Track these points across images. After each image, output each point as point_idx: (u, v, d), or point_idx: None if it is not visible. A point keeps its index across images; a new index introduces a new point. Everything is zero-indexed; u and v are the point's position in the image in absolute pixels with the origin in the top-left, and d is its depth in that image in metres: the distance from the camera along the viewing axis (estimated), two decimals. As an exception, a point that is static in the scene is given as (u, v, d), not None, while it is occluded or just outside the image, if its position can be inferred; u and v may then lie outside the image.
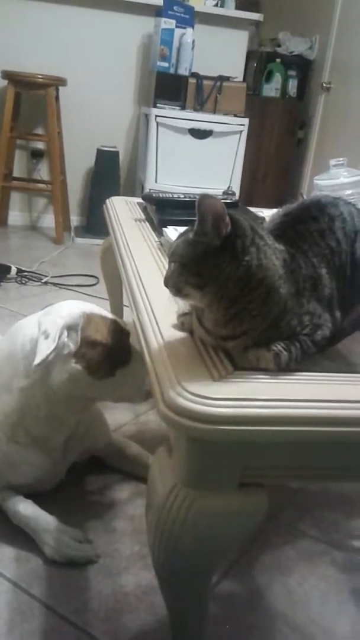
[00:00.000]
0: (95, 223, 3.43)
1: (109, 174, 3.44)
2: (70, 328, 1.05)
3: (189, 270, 0.70)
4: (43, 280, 2.63)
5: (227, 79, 3.37)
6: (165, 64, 3.27)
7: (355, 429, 0.66)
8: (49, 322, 1.03)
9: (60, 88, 3.30)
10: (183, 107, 3.33)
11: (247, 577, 1.10)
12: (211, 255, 0.69)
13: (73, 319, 1.06)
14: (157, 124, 3.25)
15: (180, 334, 0.81)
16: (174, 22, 3.21)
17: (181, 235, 0.73)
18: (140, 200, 1.71)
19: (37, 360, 0.99)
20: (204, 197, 0.68)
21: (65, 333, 1.04)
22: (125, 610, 1.00)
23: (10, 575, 1.04)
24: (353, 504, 1.34)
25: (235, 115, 3.40)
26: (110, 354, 1.08)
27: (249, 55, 3.89)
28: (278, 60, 4.08)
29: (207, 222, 0.68)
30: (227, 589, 1.07)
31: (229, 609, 1.03)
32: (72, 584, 1.04)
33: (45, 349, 1.00)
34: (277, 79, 4.09)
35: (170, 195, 1.52)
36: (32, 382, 1.08)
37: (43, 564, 1.07)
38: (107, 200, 1.76)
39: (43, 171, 3.59)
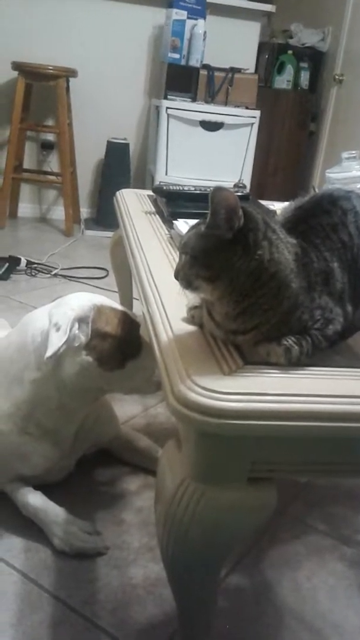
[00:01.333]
0: (105, 215, 3.42)
1: (119, 166, 3.43)
2: (81, 320, 1.05)
3: (200, 263, 0.69)
4: (53, 273, 2.63)
5: (239, 70, 3.35)
6: (177, 56, 3.25)
7: (365, 424, 0.66)
8: (60, 314, 1.03)
9: (71, 79, 3.29)
10: (194, 99, 3.31)
11: (256, 571, 1.10)
12: (223, 248, 0.68)
13: (84, 311, 1.06)
14: (168, 115, 3.24)
15: (190, 328, 0.81)
16: (185, 13, 3.19)
17: (193, 227, 0.73)
18: (150, 192, 1.71)
19: (49, 353, 0.99)
20: (218, 189, 0.67)
21: (77, 325, 1.04)
22: (133, 602, 1.00)
23: (20, 566, 1.05)
24: (362, 499, 1.33)
25: (247, 108, 3.38)
26: (121, 346, 1.08)
27: (261, 47, 3.86)
28: (290, 52, 4.05)
29: (219, 214, 0.68)
30: (235, 582, 1.07)
31: (237, 602, 1.03)
32: (81, 575, 1.05)
33: (56, 342, 1.00)
34: (289, 70, 4.06)
35: (181, 188, 1.51)
36: (43, 375, 1.08)
37: (52, 555, 1.08)
38: (117, 193, 1.76)
39: (53, 163, 3.59)
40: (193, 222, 0.75)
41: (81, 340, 1.05)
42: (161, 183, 2.01)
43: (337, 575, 1.11)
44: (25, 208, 3.65)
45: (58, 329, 1.01)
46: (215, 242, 0.69)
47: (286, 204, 0.90)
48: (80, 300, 1.08)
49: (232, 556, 1.11)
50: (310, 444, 0.69)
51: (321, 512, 1.27)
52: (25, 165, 3.55)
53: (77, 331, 1.04)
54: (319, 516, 1.26)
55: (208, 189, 0.73)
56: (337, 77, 3.91)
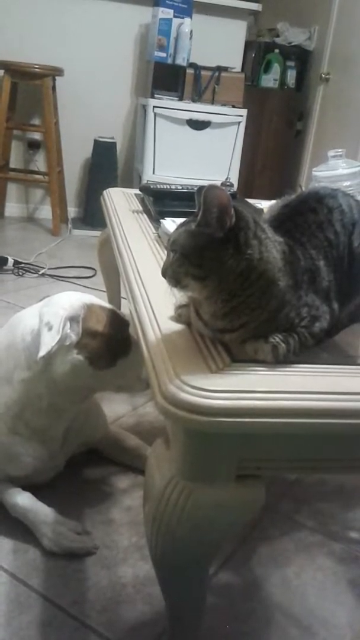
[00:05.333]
0: (92, 214, 3.41)
1: (107, 165, 3.42)
2: (72, 319, 1.05)
3: (190, 261, 0.69)
4: (40, 272, 2.62)
5: (225, 69, 3.35)
6: (163, 54, 3.25)
7: (352, 420, 0.66)
8: (52, 313, 1.03)
9: (57, 78, 3.28)
10: (181, 98, 3.31)
11: (245, 568, 1.10)
12: (213, 247, 0.68)
13: (75, 310, 1.06)
14: (155, 114, 3.23)
15: (177, 326, 0.81)
16: (171, 11, 3.19)
17: (182, 225, 0.72)
18: (137, 191, 1.71)
19: (41, 352, 0.99)
20: (210, 187, 0.67)
21: (68, 324, 1.04)
22: (122, 601, 1.00)
23: (8, 567, 1.04)
24: (350, 495, 1.34)
25: (234, 106, 3.38)
26: (111, 345, 1.08)
27: (248, 46, 3.86)
28: (276, 50, 4.06)
29: (212, 213, 0.68)
30: (224, 579, 1.07)
31: (226, 599, 1.03)
32: (70, 575, 1.04)
33: (49, 341, 0.99)
34: (276, 69, 4.07)
35: (168, 187, 1.51)
36: (34, 374, 1.08)
37: (41, 555, 1.08)
38: (105, 192, 1.75)
39: (40, 162, 3.57)
40: (180, 220, 0.75)
41: (72, 339, 1.05)
42: (148, 182, 2.01)
43: (325, 572, 1.11)
44: (12, 207, 3.63)
45: (50, 328, 1.01)
46: (206, 241, 0.69)
47: (273, 202, 0.90)
48: (70, 299, 1.08)
49: (221, 553, 1.11)
50: (298, 440, 0.69)
51: (310, 509, 1.28)
52: (12, 165, 3.53)
53: (68, 330, 1.04)
54: (307, 513, 1.26)
55: (195, 188, 0.73)
56: (323, 75, 3.92)
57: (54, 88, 3.25)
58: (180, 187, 1.49)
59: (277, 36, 4.18)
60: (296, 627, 0.99)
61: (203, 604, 0.84)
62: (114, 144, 3.42)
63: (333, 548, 1.17)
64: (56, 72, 3.20)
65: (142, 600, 1.01)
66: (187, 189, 1.47)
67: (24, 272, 2.62)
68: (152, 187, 1.53)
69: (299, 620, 1.00)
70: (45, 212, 3.58)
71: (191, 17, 3.25)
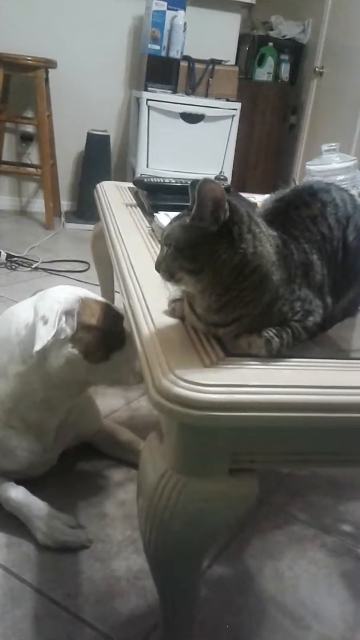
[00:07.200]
0: (85, 208, 3.40)
1: (100, 159, 3.41)
2: (67, 313, 1.04)
3: (185, 255, 0.69)
4: (33, 266, 2.61)
5: (219, 62, 3.34)
6: (157, 47, 3.23)
7: (345, 414, 0.67)
8: (47, 307, 1.03)
9: (50, 70, 3.26)
10: (174, 91, 3.29)
11: (238, 561, 1.11)
12: (207, 241, 0.68)
13: (70, 303, 1.05)
14: (148, 107, 3.22)
15: (171, 320, 0.81)
16: (165, 3, 3.17)
17: (176, 219, 0.72)
18: (131, 185, 1.70)
19: (37, 347, 0.99)
20: (205, 181, 0.67)
21: (64, 318, 1.04)
22: (116, 594, 1.01)
23: (2, 561, 1.05)
24: (343, 488, 1.35)
25: (227, 100, 3.37)
26: (106, 338, 1.08)
27: (241, 39, 3.85)
28: (270, 44, 4.05)
29: (206, 207, 0.67)
30: (217, 572, 1.08)
31: (220, 592, 1.04)
32: (64, 568, 1.04)
33: (45, 335, 0.99)
34: (270, 63, 4.06)
35: (162, 180, 1.51)
36: (28, 368, 1.08)
37: (34, 549, 1.08)
38: (98, 185, 1.74)
39: (33, 155, 3.55)
40: (174, 214, 0.75)
41: (67, 333, 1.04)
42: (142, 175, 2.00)
43: (318, 564, 1.12)
44: (5, 201, 3.62)
45: (46, 322, 1.00)
46: (200, 235, 0.68)
47: (267, 196, 0.90)
48: (65, 293, 1.07)
49: (214, 546, 1.12)
50: (291, 434, 0.69)
51: (302, 502, 1.28)
52: (4, 157, 3.51)
53: (63, 324, 1.04)
54: (300, 506, 1.27)
55: (189, 182, 0.73)
56: (317, 69, 3.91)
57: (46, 80, 3.23)
58: (174, 181, 1.49)
59: (271, 29, 4.17)
60: (289, 619, 1.00)
61: (196, 597, 0.85)
62: (107, 137, 3.41)
63: (325, 541, 1.18)
64: (49, 64, 3.17)
65: (135, 593, 1.01)
66: (181, 182, 1.46)
67: (16, 265, 2.60)
68: (145, 180, 1.52)
69: (292, 613, 1.01)
70: (38, 205, 3.56)
71: (185, 10, 3.23)
